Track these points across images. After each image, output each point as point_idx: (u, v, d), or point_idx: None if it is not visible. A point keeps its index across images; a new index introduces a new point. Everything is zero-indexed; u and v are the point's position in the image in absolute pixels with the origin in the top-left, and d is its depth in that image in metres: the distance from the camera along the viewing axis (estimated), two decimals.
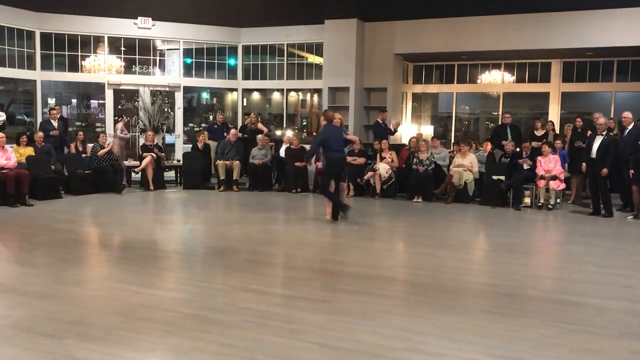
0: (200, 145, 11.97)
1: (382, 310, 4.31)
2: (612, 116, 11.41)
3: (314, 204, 9.71)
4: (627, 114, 9.33)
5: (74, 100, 13.96)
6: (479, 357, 3.47)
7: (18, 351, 3.46)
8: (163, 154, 11.87)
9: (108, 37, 13.11)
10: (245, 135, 12.20)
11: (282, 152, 11.94)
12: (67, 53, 12.94)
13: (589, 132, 9.62)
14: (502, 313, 4.33)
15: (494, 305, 4.61)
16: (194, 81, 14.03)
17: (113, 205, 9.67)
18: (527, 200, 10.02)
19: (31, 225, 7.70)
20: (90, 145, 11.21)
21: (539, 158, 9.84)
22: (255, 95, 14.85)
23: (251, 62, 14.19)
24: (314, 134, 13.32)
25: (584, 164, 9.23)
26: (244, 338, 3.69)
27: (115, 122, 13.15)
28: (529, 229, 8.50)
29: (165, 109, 13.57)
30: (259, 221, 8.27)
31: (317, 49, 13.42)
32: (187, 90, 14.15)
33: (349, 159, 11.13)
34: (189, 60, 13.91)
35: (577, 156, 9.90)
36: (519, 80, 13.38)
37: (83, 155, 11.07)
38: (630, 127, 9.21)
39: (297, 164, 11.13)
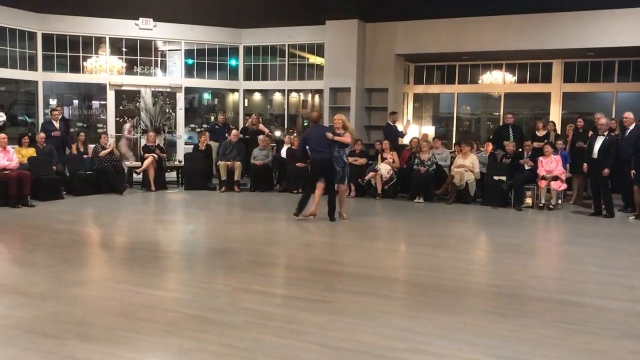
0: (202, 146, 11.98)
1: (383, 311, 4.32)
2: (613, 116, 11.40)
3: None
4: (629, 114, 9.33)
5: (76, 101, 13.98)
6: (479, 357, 3.47)
7: (19, 351, 3.47)
8: (164, 154, 11.88)
9: (109, 38, 13.13)
10: (246, 136, 12.22)
11: (283, 153, 11.95)
12: (68, 54, 12.96)
13: (590, 133, 9.62)
14: (503, 313, 4.33)
15: (495, 305, 4.61)
16: (195, 82, 14.05)
17: (114, 206, 9.68)
18: (529, 200, 10.01)
19: (33, 226, 7.71)
20: (91, 146, 11.22)
21: (541, 158, 9.84)
22: (257, 96, 14.86)
23: (252, 63, 14.20)
24: None
25: (585, 164, 9.22)
26: (244, 338, 3.70)
27: (118, 122, 13.20)
28: (530, 229, 8.50)
29: (167, 110, 13.58)
30: (260, 222, 8.28)
31: (318, 50, 13.43)
32: (189, 91, 14.17)
33: (349, 159, 11.19)
34: (190, 61, 13.92)
35: (578, 156, 9.89)
36: (520, 80, 13.37)
37: (85, 156, 11.08)
38: (631, 127, 9.21)
39: (298, 164, 11.14)
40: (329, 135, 8.10)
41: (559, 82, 12.92)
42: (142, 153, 11.69)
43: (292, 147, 11.67)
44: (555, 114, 12.85)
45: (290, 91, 14.07)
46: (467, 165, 10.33)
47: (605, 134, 9.01)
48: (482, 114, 14.82)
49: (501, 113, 13.52)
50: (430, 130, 13.73)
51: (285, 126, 13.94)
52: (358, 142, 11.46)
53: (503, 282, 5.23)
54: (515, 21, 11.54)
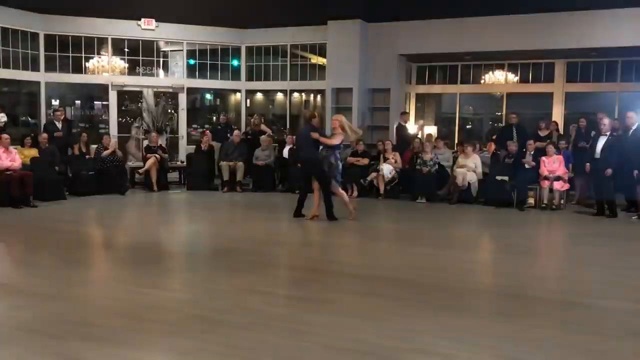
0: (204, 147, 11.99)
1: (387, 311, 4.31)
2: (616, 116, 11.37)
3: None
4: (631, 114, 9.31)
5: (78, 102, 13.99)
6: (483, 357, 3.47)
7: (24, 352, 3.47)
8: (167, 155, 11.89)
9: (112, 38, 13.14)
10: (248, 137, 12.23)
11: (285, 153, 11.95)
12: (71, 55, 12.96)
13: (593, 133, 9.60)
14: (506, 314, 4.33)
15: (499, 306, 4.61)
16: (197, 82, 14.04)
17: (117, 207, 9.70)
18: (531, 200, 9.99)
19: (35, 227, 7.72)
20: (94, 147, 11.23)
21: (543, 158, 9.83)
22: (259, 96, 14.86)
23: (254, 63, 14.19)
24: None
25: (587, 164, 9.21)
26: (248, 339, 3.70)
27: (120, 123, 13.22)
28: (532, 229, 8.49)
29: (169, 110, 13.60)
30: (262, 222, 8.28)
31: (321, 50, 13.42)
32: (191, 91, 14.16)
33: (352, 159, 11.20)
34: (192, 62, 13.92)
35: (580, 157, 9.86)
36: (523, 80, 13.36)
37: (87, 156, 11.09)
38: (634, 127, 9.19)
39: (299, 164, 11.12)
40: (314, 135, 8.13)
41: (562, 82, 12.90)
42: (144, 153, 11.70)
43: (294, 147, 11.67)
44: (558, 114, 12.83)
45: (292, 91, 14.07)
46: (470, 166, 10.32)
47: (608, 134, 8.99)
48: (484, 114, 14.79)
49: (504, 113, 13.50)
50: (432, 130, 13.71)
51: (288, 126, 13.94)
52: (360, 142, 11.46)
53: (506, 283, 5.23)
54: (517, 21, 11.51)
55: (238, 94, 14.50)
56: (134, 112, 13.52)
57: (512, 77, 13.46)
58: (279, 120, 14.57)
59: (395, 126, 12.34)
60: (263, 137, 11.86)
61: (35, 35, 12.58)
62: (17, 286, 4.89)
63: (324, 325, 3.97)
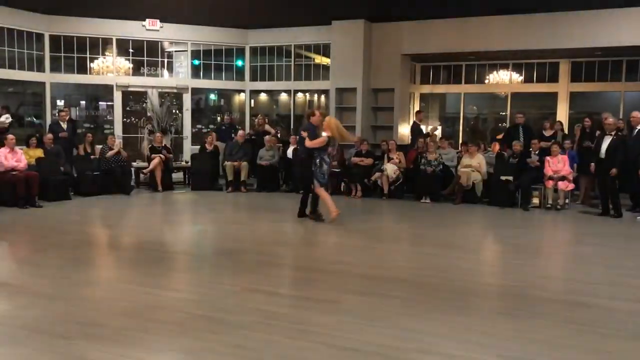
0: (209, 147, 12.01)
1: (391, 311, 4.31)
2: (621, 116, 11.35)
3: (322, 205, 9.68)
4: (636, 114, 9.29)
5: (83, 102, 14.04)
6: (488, 357, 3.47)
7: (30, 351, 3.49)
8: (171, 155, 11.92)
9: (116, 39, 13.18)
10: (253, 137, 12.24)
11: (289, 153, 11.96)
12: (75, 55, 13.01)
13: (598, 132, 9.57)
14: (511, 314, 4.32)
15: (503, 306, 4.61)
16: (201, 83, 14.08)
17: (122, 207, 9.73)
18: (536, 200, 9.97)
19: (41, 227, 7.75)
20: (98, 147, 11.27)
21: (548, 158, 9.81)
22: (263, 96, 14.88)
23: (258, 63, 14.21)
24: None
25: (592, 164, 9.18)
26: (253, 339, 3.71)
27: (125, 123, 13.25)
28: (537, 229, 8.47)
29: (174, 111, 13.63)
30: (267, 222, 8.29)
31: (325, 50, 13.43)
32: (195, 91, 14.20)
33: (356, 159, 11.21)
34: (196, 62, 13.95)
35: (585, 156, 9.85)
36: (527, 80, 13.34)
37: (92, 156, 11.13)
38: (639, 126, 9.16)
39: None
40: (303, 133, 8.18)
41: (566, 82, 12.88)
42: (149, 154, 11.73)
43: (299, 147, 11.68)
44: (563, 113, 12.81)
45: (296, 92, 14.09)
46: (474, 165, 10.31)
47: (613, 133, 8.97)
48: (489, 114, 14.78)
49: (508, 113, 13.49)
50: (437, 130, 13.71)
51: (292, 127, 13.95)
52: (364, 142, 11.47)
53: (511, 283, 5.22)
54: (522, 21, 11.50)
55: (242, 94, 14.53)
56: (138, 112, 13.55)
57: (517, 77, 13.45)
58: (283, 120, 14.58)
59: (410, 124, 12.34)
60: (267, 137, 11.88)
61: (40, 36, 12.63)
62: (22, 286, 4.91)
63: (328, 325, 3.97)
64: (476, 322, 4.09)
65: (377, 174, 10.81)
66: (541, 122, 11.71)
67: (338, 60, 12.77)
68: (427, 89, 14.24)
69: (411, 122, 12.94)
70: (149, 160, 11.49)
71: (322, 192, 8.14)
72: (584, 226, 8.47)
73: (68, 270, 5.40)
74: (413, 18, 12.29)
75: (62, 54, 12.93)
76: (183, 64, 13.90)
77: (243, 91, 14.43)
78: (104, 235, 7.73)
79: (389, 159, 10.94)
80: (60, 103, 13.15)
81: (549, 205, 9.67)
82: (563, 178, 9.62)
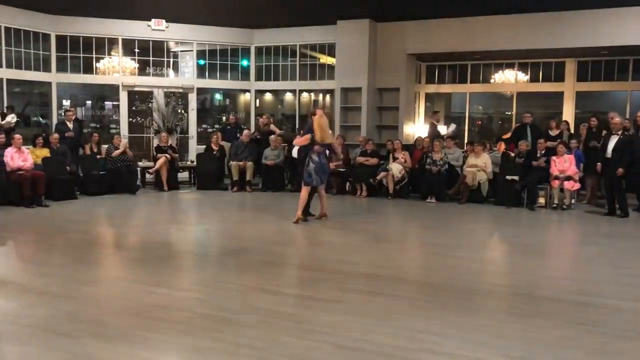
0: (214, 146, 12.03)
1: (396, 311, 4.31)
2: (627, 116, 11.29)
3: (327, 205, 9.69)
4: None
5: (89, 102, 14.09)
6: (493, 357, 3.46)
7: (36, 350, 3.51)
8: (177, 154, 11.95)
9: (122, 39, 13.21)
10: (258, 137, 12.25)
11: (294, 153, 11.95)
12: (81, 55, 13.05)
13: (604, 132, 9.53)
14: (517, 314, 4.31)
15: (509, 305, 4.59)
16: (207, 82, 14.09)
17: (128, 206, 9.76)
18: (542, 200, 9.93)
19: (47, 226, 7.79)
20: (104, 147, 11.31)
21: (554, 158, 9.77)
22: (268, 96, 14.88)
23: (264, 63, 14.22)
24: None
25: (599, 164, 9.14)
26: (258, 338, 3.71)
27: (131, 123, 13.31)
28: (543, 229, 8.44)
29: (179, 111, 13.66)
30: (272, 222, 8.29)
31: (330, 50, 13.43)
32: (201, 91, 14.22)
33: (361, 159, 11.21)
34: (202, 62, 13.98)
35: (591, 156, 9.81)
36: (533, 79, 13.30)
37: (98, 156, 11.17)
38: None
39: None
40: (301, 133, 8.22)
41: (572, 81, 12.83)
42: (154, 153, 11.77)
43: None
44: (569, 113, 12.76)
45: (301, 91, 14.09)
46: (480, 165, 10.29)
47: (619, 133, 8.93)
48: (494, 114, 14.74)
49: (514, 112, 13.46)
50: (442, 129, 13.67)
51: (297, 126, 13.96)
52: (369, 141, 11.46)
53: (517, 283, 5.21)
54: (527, 20, 11.46)
55: (247, 94, 14.54)
56: (144, 112, 13.59)
57: (522, 76, 13.40)
58: (288, 120, 14.59)
59: (428, 125, 12.30)
60: (272, 136, 11.89)
61: (46, 36, 12.68)
62: (29, 285, 4.93)
63: (333, 324, 3.97)
64: (482, 322, 4.08)
65: (383, 174, 10.80)
66: (547, 121, 11.67)
67: (343, 60, 12.76)
68: (432, 88, 14.21)
69: (413, 122, 12.91)
70: (155, 159, 11.52)
71: (303, 193, 8.13)
72: (590, 226, 8.43)
73: (74, 269, 5.43)
74: (418, 17, 12.26)
75: (69, 54, 12.97)
76: (188, 64, 13.93)
77: (248, 91, 14.45)
78: (110, 235, 7.76)
79: (394, 159, 10.93)
80: (66, 103, 13.20)
81: (555, 205, 9.64)
82: (569, 178, 9.58)
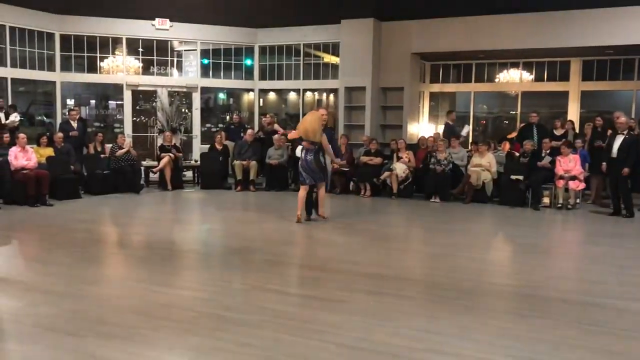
0: (219, 146, 12.03)
1: (400, 311, 4.30)
2: (633, 115, 11.24)
3: (331, 204, 9.69)
4: None
5: (93, 101, 14.12)
6: (498, 358, 3.45)
7: (41, 349, 3.51)
8: (181, 154, 11.96)
9: (126, 38, 13.23)
10: (262, 136, 12.25)
11: (298, 152, 11.93)
12: (86, 54, 13.08)
13: (610, 132, 9.49)
14: (521, 314, 4.29)
15: (514, 306, 4.58)
16: (211, 82, 14.11)
17: (132, 205, 9.76)
18: (546, 200, 9.90)
19: (51, 225, 7.79)
20: (108, 146, 11.32)
21: (559, 158, 9.74)
22: (272, 96, 14.88)
23: (267, 63, 14.23)
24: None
25: (604, 163, 9.11)
26: (262, 337, 3.71)
27: (134, 122, 13.36)
28: (548, 229, 8.41)
29: (183, 110, 13.67)
30: (275, 221, 8.28)
31: (334, 49, 13.41)
32: (205, 90, 14.23)
33: (365, 158, 11.20)
34: (206, 61, 13.99)
35: (597, 156, 9.77)
36: (538, 79, 13.25)
37: (102, 155, 11.18)
38: None
39: None
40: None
41: (577, 81, 12.78)
42: (158, 153, 11.78)
43: None
44: (574, 112, 12.72)
45: (305, 91, 14.08)
46: (484, 165, 10.26)
47: (625, 132, 8.89)
48: (499, 113, 14.70)
49: (518, 112, 13.42)
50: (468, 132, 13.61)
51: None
52: (373, 141, 11.45)
53: (521, 283, 5.19)
54: (532, 19, 11.42)
55: (251, 93, 14.54)
56: (148, 111, 13.61)
57: (527, 76, 13.36)
58: (292, 120, 14.58)
59: (443, 125, 12.26)
60: (276, 136, 11.88)
61: (51, 36, 12.71)
62: (33, 284, 4.94)
63: (337, 324, 3.97)
64: (487, 322, 4.07)
65: (387, 173, 10.78)
66: (552, 121, 11.63)
67: (347, 59, 12.75)
68: (436, 87, 14.18)
69: (417, 121, 12.88)
70: (159, 159, 11.53)
71: (300, 191, 8.09)
72: (595, 226, 8.40)
73: (78, 268, 5.43)
74: (422, 17, 12.24)
75: (73, 54, 13.00)
76: (192, 63, 13.94)
77: (252, 90, 14.45)
78: (114, 234, 7.76)
79: (398, 158, 10.91)
80: (70, 102, 13.22)
81: (559, 205, 9.60)
82: (574, 177, 9.55)
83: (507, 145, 11.02)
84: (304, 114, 13.81)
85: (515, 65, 13.37)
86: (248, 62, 14.25)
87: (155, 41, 13.43)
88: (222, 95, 15.23)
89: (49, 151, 10.24)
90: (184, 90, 13.78)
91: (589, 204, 10.12)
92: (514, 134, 11.86)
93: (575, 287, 5.16)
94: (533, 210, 9.52)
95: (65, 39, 12.89)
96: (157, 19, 13.13)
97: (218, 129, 13.79)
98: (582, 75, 12.74)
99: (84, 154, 11.28)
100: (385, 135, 12.98)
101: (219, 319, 4.05)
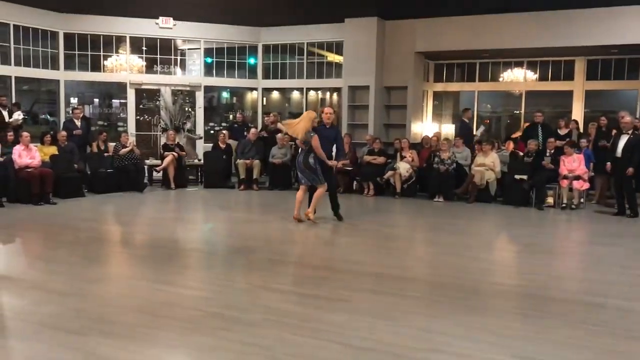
0: (222, 145, 12.04)
1: (403, 310, 4.29)
2: (637, 115, 11.20)
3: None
4: None
5: (96, 100, 14.13)
6: (501, 358, 3.43)
7: (44, 347, 3.51)
8: (184, 153, 11.97)
9: (130, 37, 13.24)
10: (265, 135, 12.25)
11: None
12: (89, 53, 13.10)
13: (614, 131, 9.46)
14: (525, 314, 4.28)
15: (517, 306, 4.56)
16: (214, 80, 14.09)
17: (135, 204, 9.77)
18: (550, 200, 9.87)
19: (55, 224, 7.81)
20: (112, 145, 11.33)
21: (563, 157, 9.71)
22: (275, 95, 14.88)
23: (271, 61, 14.22)
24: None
25: (608, 163, 9.07)
26: (265, 336, 3.70)
27: (138, 121, 13.35)
28: (552, 229, 8.39)
29: (186, 109, 13.68)
30: (278, 220, 8.28)
31: (337, 48, 13.40)
32: (208, 89, 14.22)
33: (368, 158, 11.19)
34: (209, 60, 13.98)
35: (601, 155, 9.73)
36: (542, 78, 13.21)
37: (105, 154, 11.20)
38: None
39: None
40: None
41: (582, 80, 12.73)
42: (162, 151, 11.79)
43: None
44: (578, 112, 12.67)
45: (308, 89, 14.06)
46: (488, 164, 10.23)
47: (630, 132, 8.85)
48: (503, 112, 14.67)
49: (522, 111, 13.38)
50: (450, 128, 13.62)
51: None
52: (377, 140, 11.43)
53: (525, 283, 5.17)
54: (536, 18, 11.38)
55: (255, 92, 14.53)
56: (152, 110, 13.62)
57: (531, 75, 13.32)
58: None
59: (460, 123, 12.22)
60: (279, 135, 11.87)
61: (54, 34, 12.72)
62: (36, 282, 4.94)
63: (340, 323, 3.96)
64: (490, 322, 4.05)
65: (390, 173, 10.77)
66: (556, 120, 11.59)
67: (351, 58, 12.73)
68: (440, 87, 14.15)
69: (421, 120, 12.86)
70: (162, 158, 11.54)
71: (299, 191, 8.12)
72: (599, 226, 8.37)
73: (81, 267, 5.44)
74: (426, 16, 12.21)
75: (76, 52, 13.01)
76: (196, 62, 13.94)
77: (255, 89, 14.44)
78: (117, 233, 7.77)
79: (402, 158, 10.89)
80: (74, 101, 13.24)
81: (563, 205, 9.57)
82: (578, 177, 9.51)
83: (511, 145, 10.99)
84: None
85: (519, 64, 13.33)
86: (251, 60, 14.24)
87: (158, 40, 13.43)
88: (225, 94, 15.23)
89: (53, 150, 10.26)
90: (188, 89, 13.78)
91: (593, 203, 10.09)
92: (518, 134, 11.82)
93: (579, 287, 5.14)
94: (537, 210, 9.49)
95: (68, 37, 12.90)
96: (160, 18, 13.13)
97: (221, 127, 13.79)
98: (587, 74, 12.69)
99: (87, 153, 11.30)
100: (388, 134, 12.96)
101: (222, 318, 4.05)
